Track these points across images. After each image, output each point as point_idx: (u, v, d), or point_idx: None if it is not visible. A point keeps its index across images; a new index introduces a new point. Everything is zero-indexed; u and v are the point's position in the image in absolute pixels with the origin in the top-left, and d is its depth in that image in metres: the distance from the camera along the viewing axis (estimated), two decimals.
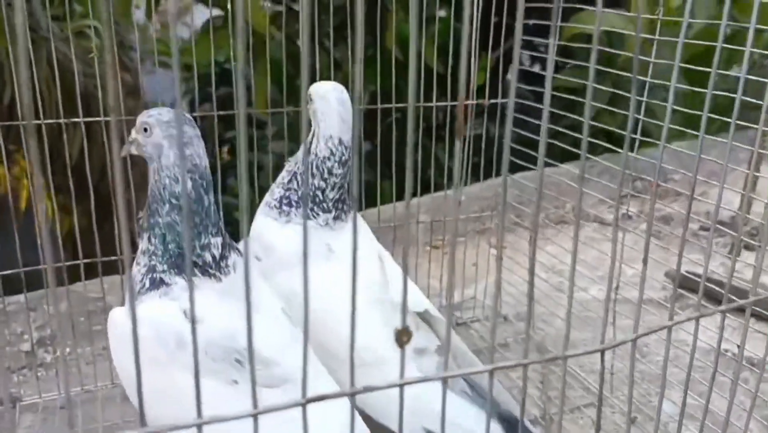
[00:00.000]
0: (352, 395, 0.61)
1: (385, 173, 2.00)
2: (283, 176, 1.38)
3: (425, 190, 1.71)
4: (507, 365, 0.66)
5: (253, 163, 1.73)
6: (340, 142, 1.34)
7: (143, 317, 1.03)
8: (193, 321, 0.55)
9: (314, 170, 1.33)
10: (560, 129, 1.54)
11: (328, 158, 1.33)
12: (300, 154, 1.38)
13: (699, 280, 1.04)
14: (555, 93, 1.31)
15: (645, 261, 0.70)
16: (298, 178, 1.35)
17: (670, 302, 0.73)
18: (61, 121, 1.32)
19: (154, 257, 1.06)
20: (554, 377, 1.59)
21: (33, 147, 0.47)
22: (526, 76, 2.88)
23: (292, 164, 1.38)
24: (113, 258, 1.42)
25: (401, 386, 0.61)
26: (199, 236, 1.07)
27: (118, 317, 1.06)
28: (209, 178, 1.08)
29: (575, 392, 1.53)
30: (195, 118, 1.45)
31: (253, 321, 1.11)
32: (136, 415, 1.39)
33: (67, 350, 1.57)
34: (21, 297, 1.57)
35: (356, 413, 1.01)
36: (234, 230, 1.54)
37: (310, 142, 1.35)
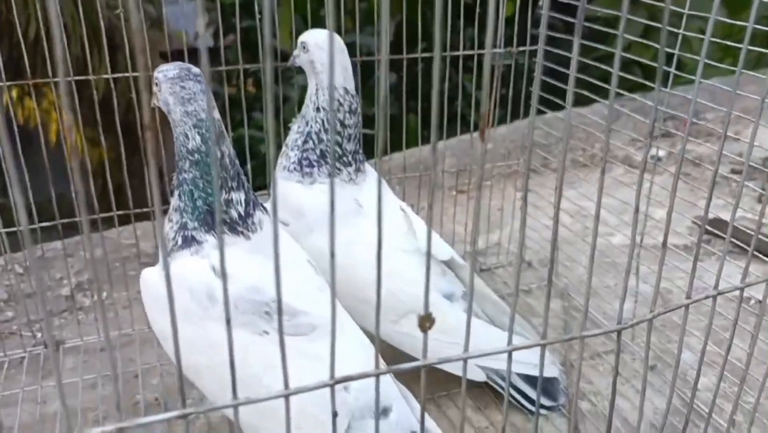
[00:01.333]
0: (377, 376, 0.64)
1: (410, 106, 1.97)
2: (296, 138, 1.36)
3: (452, 122, 1.70)
4: (525, 345, 0.68)
5: (278, 96, 1.73)
6: (346, 91, 1.33)
7: (176, 274, 1.07)
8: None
9: (327, 126, 1.33)
10: (590, 62, 1.48)
11: (338, 110, 1.33)
12: (305, 112, 1.36)
13: (721, 234, 1.03)
14: (586, 24, 1.24)
15: (665, 244, 0.71)
16: (314, 137, 1.35)
17: (689, 281, 0.73)
18: (91, 78, 1.34)
19: (185, 214, 1.09)
20: (576, 324, 1.62)
21: (66, 104, 0.49)
22: (555, 5, 2.79)
23: (302, 124, 1.36)
24: (146, 210, 1.46)
25: (425, 367, 0.64)
26: (221, 190, 1.09)
27: (150, 278, 1.10)
28: (220, 130, 1.10)
29: (596, 339, 1.56)
30: (218, 49, 1.45)
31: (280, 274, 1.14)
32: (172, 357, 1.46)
33: (104, 294, 1.63)
34: (58, 244, 1.63)
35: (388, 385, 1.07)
36: (260, 163, 1.57)
37: (315, 95, 1.34)
